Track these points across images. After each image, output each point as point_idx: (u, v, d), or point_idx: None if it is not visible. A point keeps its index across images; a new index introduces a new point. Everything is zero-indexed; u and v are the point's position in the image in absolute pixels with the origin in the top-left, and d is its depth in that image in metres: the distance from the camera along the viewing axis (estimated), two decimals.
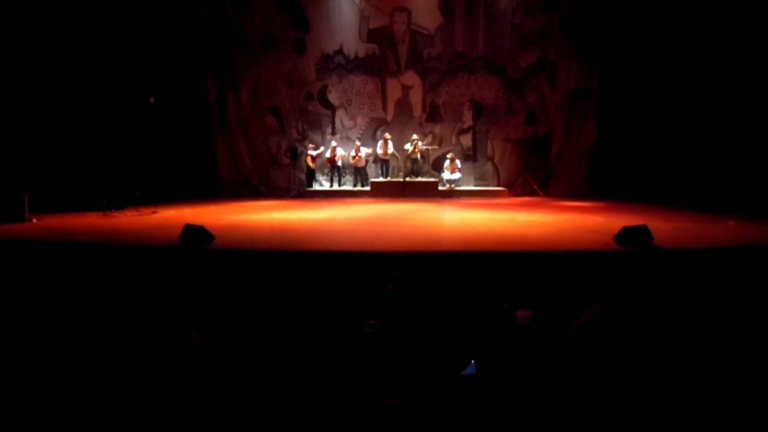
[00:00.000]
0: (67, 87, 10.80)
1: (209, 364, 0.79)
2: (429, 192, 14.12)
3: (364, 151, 14.88)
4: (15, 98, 10.07)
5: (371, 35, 15.43)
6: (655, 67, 12.27)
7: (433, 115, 15.60)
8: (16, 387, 0.72)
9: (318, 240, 7.25)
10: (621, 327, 0.81)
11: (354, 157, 14.89)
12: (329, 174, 15.35)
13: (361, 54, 15.49)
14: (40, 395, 0.71)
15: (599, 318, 0.84)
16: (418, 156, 14.78)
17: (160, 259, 6.05)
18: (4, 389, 0.72)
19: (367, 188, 14.71)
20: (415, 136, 14.69)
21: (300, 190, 15.09)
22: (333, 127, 15.75)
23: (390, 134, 15.01)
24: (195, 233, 6.46)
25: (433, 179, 14.86)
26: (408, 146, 14.61)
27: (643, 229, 6.18)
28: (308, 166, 15.00)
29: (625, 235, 6.22)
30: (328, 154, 14.91)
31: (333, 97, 15.68)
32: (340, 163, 15.05)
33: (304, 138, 15.60)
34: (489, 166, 15.62)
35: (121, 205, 10.48)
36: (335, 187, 15.16)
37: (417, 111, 15.64)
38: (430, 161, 15.45)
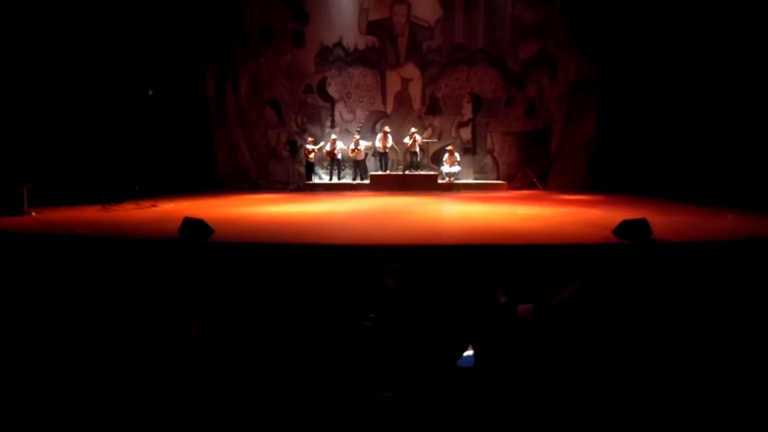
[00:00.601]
0: (66, 80, 10.77)
1: (208, 359, 0.78)
2: (428, 185, 14.11)
3: (363, 144, 14.85)
4: (14, 92, 10.04)
5: (371, 27, 15.37)
6: (656, 60, 12.24)
7: (432, 108, 15.57)
8: (11, 384, 0.72)
9: (317, 233, 7.24)
10: (599, 307, 0.79)
11: (353, 151, 14.87)
12: (329, 167, 15.33)
13: (361, 46, 15.44)
14: (36, 392, 0.70)
15: (577, 298, 0.83)
16: (417, 149, 14.76)
17: (160, 253, 6.05)
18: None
19: (367, 181, 14.70)
20: (413, 129, 14.67)
21: (299, 183, 15.07)
22: (332, 120, 15.72)
23: (389, 127, 14.98)
24: (194, 226, 6.46)
25: (432, 172, 14.85)
26: (407, 139, 14.58)
27: (642, 223, 6.18)
28: (307, 160, 14.98)
29: (625, 228, 6.23)
30: (328, 148, 14.88)
31: (332, 90, 15.64)
32: (339, 157, 15.03)
33: (303, 131, 15.58)
34: (488, 160, 15.61)
35: (120, 198, 10.48)
36: (334, 180, 15.15)
37: (416, 104, 15.61)
38: (430, 154, 15.43)
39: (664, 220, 7.39)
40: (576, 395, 0.77)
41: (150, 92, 11.63)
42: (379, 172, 14.92)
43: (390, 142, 14.76)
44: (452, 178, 14.39)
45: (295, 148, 15.04)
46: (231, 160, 15.81)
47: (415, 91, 15.58)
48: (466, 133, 15.58)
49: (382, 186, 14.16)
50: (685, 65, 11.28)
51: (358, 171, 15.10)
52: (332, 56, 15.48)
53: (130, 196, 10.71)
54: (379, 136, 14.85)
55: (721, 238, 6.41)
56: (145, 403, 0.70)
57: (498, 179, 15.16)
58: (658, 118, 12.16)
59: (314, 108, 15.72)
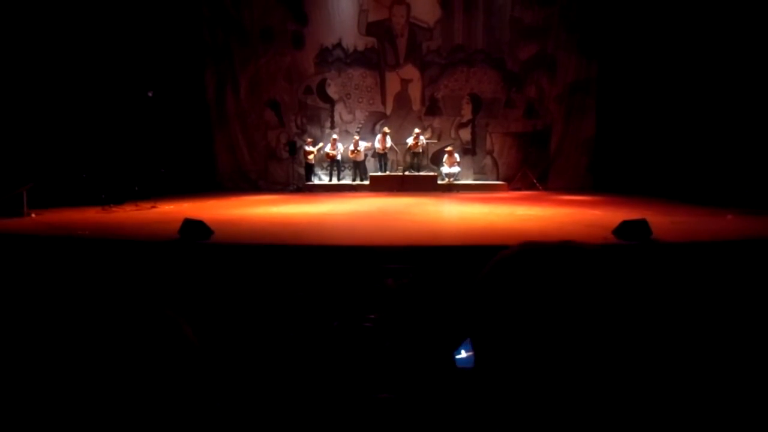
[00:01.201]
0: (66, 81, 10.78)
1: (203, 360, 0.79)
2: (428, 186, 14.12)
3: (363, 145, 14.86)
4: (14, 93, 10.05)
5: (370, 29, 15.38)
6: (655, 60, 12.25)
7: (432, 108, 15.57)
8: (9, 384, 0.72)
9: (317, 234, 7.25)
10: (516, 279, 0.76)
11: (353, 152, 14.88)
12: (328, 168, 15.34)
13: (360, 48, 15.45)
14: (33, 392, 0.71)
15: (494, 269, 0.80)
16: (419, 150, 14.77)
17: (159, 254, 6.05)
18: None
19: (366, 182, 14.70)
20: (417, 131, 14.68)
21: (299, 184, 15.07)
22: (332, 121, 15.72)
23: (389, 128, 14.99)
24: (194, 228, 6.46)
25: (432, 173, 14.85)
26: (410, 140, 14.60)
27: (642, 223, 6.19)
28: (306, 161, 14.99)
29: (624, 229, 6.24)
30: (328, 148, 14.89)
31: (332, 91, 15.64)
32: (339, 158, 15.04)
33: (303, 132, 15.59)
34: (488, 160, 15.61)
35: (119, 199, 10.49)
36: (334, 181, 15.15)
37: (416, 105, 15.61)
38: (429, 155, 15.43)
39: (663, 221, 7.39)
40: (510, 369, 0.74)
41: (150, 94, 11.63)
42: (379, 173, 14.93)
43: (389, 143, 14.76)
44: (452, 179, 14.39)
45: (294, 149, 15.04)
46: (231, 161, 15.82)
47: (415, 92, 15.58)
48: (465, 134, 15.59)
49: (381, 187, 14.16)
50: (685, 66, 11.29)
51: (357, 172, 15.10)
52: (332, 57, 15.49)
53: (130, 197, 10.71)
54: (379, 137, 14.85)
55: (720, 238, 6.42)
56: (140, 402, 0.71)
57: (498, 180, 15.16)
58: (657, 118, 12.17)
59: (314, 109, 15.73)
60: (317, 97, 15.67)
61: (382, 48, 15.43)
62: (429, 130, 15.42)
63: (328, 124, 15.73)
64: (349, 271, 5.13)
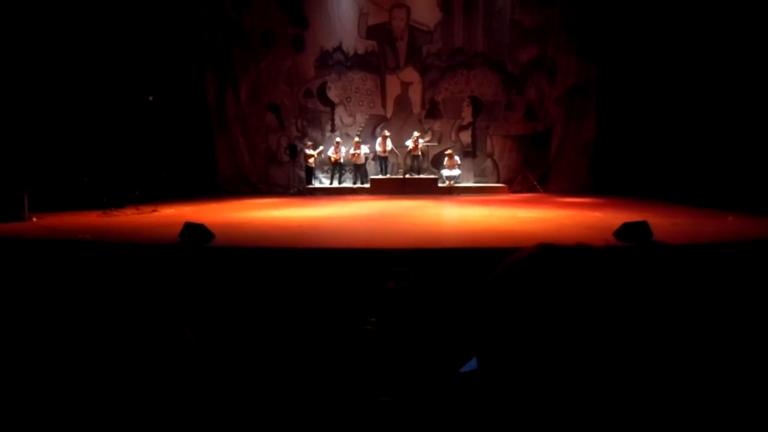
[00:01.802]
0: (67, 85, 10.79)
1: (206, 362, 0.79)
2: (428, 189, 14.12)
3: (363, 149, 14.88)
4: (15, 97, 10.06)
5: (370, 32, 15.40)
6: (655, 62, 12.26)
7: (432, 111, 15.59)
8: (12, 385, 0.73)
9: (318, 237, 7.25)
10: (532, 280, 0.76)
11: (353, 155, 14.90)
12: (329, 171, 15.35)
13: (361, 51, 15.47)
14: (36, 392, 0.72)
15: (508, 270, 0.80)
16: (419, 153, 14.78)
17: (161, 258, 6.05)
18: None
19: (367, 185, 14.71)
20: (416, 133, 14.70)
21: (300, 187, 15.09)
22: (332, 124, 15.74)
23: (389, 131, 15.01)
24: (195, 231, 6.46)
25: (432, 176, 14.86)
26: (409, 143, 14.62)
27: (642, 225, 6.18)
28: (307, 164, 15.01)
29: (625, 231, 6.23)
30: (331, 151, 14.91)
31: (332, 94, 15.67)
32: (342, 161, 15.06)
33: (303, 135, 15.60)
34: (489, 163, 15.62)
35: (121, 203, 10.50)
36: (335, 184, 15.17)
37: (416, 108, 15.64)
38: (430, 158, 15.45)
39: (664, 223, 7.39)
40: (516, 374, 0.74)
41: (150, 98, 11.65)
42: (380, 176, 14.94)
43: (390, 146, 14.78)
44: (452, 182, 14.40)
45: (295, 152, 15.07)
46: (231, 164, 15.83)
47: (415, 94, 15.60)
48: (466, 137, 15.60)
49: (382, 190, 14.17)
50: (684, 68, 11.30)
51: (358, 175, 15.12)
52: (332, 60, 15.51)
53: (131, 201, 10.73)
54: (379, 140, 14.87)
55: (721, 240, 6.41)
56: (139, 401, 0.71)
57: (498, 182, 15.17)
58: (657, 120, 12.17)
59: (314, 112, 15.75)
60: (318, 100, 15.70)
61: (383, 51, 15.46)
62: (429, 132, 15.43)
63: (329, 127, 15.75)
64: (350, 275, 5.13)
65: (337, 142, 14.95)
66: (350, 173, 15.37)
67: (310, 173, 15.14)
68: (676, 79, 11.55)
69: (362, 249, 6.13)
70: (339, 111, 15.73)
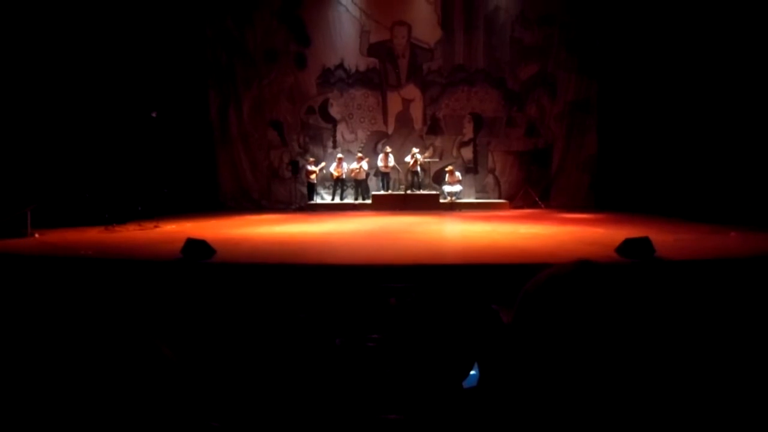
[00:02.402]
0: (70, 102, 10.87)
1: (182, 376, 0.83)
2: (430, 205, 14.14)
3: (363, 164, 14.92)
4: (17, 113, 10.13)
5: (372, 49, 15.54)
6: (655, 78, 12.33)
7: (433, 128, 15.67)
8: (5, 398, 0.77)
9: (320, 253, 7.24)
10: (572, 294, 0.77)
11: (353, 170, 14.95)
12: (331, 187, 15.39)
13: (362, 68, 15.60)
14: (29, 404, 0.75)
15: (549, 285, 0.81)
16: (418, 169, 14.82)
17: (162, 274, 6.05)
18: None
19: (369, 201, 14.73)
20: (415, 150, 14.76)
21: (301, 203, 15.11)
22: (334, 141, 15.81)
23: (391, 147, 15.08)
24: (197, 247, 6.46)
25: (434, 192, 14.89)
26: (408, 159, 14.67)
27: (645, 241, 6.17)
28: (308, 180, 15.04)
29: (627, 247, 6.22)
30: (333, 167, 14.96)
31: (334, 111, 15.76)
32: (344, 177, 15.11)
33: (305, 152, 15.67)
34: (490, 179, 15.65)
35: (123, 219, 10.51)
36: (336, 200, 15.19)
37: (418, 124, 15.71)
38: (431, 174, 15.49)
39: (666, 239, 7.38)
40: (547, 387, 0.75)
41: (154, 114, 11.73)
42: (381, 192, 14.97)
43: (392, 162, 14.83)
44: (454, 198, 14.42)
45: (297, 168, 15.12)
46: (233, 180, 15.87)
47: (416, 111, 15.70)
48: (467, 153, 15.66)
49: (383, 206, 14.19)
50: (685, 83, 11.36)
51: (359, 191, 15.15)
52: (334, 78, 15.63)
53: (133, 217, 10.74)
54: (381, 156, 14.93)
55: (724, 256, 6.40)
56: (121, 412, 0.76)
57: (500, 198, 15.19)
58: (658, 136, 12.21)
59: (316, 129, 15.83)
60: (319, 116, 15.79)
61: (384, 68, 15.58)
62: (431, 149, 15.49)
63: (331, 143, 15.82)
64: (351, 291, 5.12)
65: (340, 158, 15.01)
66: (352, 189, 15.41)
67: (311, 189, 15.17)
68: (677, 95, 11.61)
69: (364, 265, 6.13)
70: (341, 127, 15.81)
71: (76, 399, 0.75)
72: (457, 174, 14.67)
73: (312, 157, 15.33)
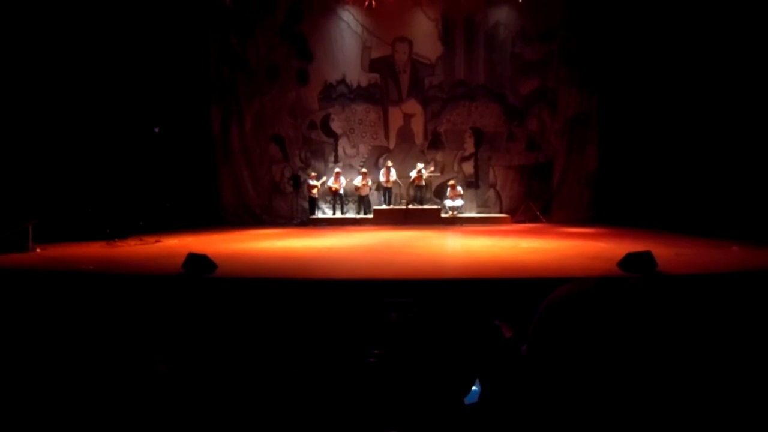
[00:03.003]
0: (72, 117, 10.93)
1: (176, 389, 0.85)
2: (432, 219, 14.15)
3: (360, 180, 14.95)
4: (20, 128, 10.18)
5: (373, 65, 15.66)
6: (655, 93, 12.38)
7: (434, 142, 15.73)
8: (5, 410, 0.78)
9: (321, 268, 7.23)
10: (593, 312, 0.77)
11: (357, 187, 14.97)
12: (332, 202, 15.41)
13: (364, 83, 15.70)
14: (28, 416, 0.77)
15: (569, 303, 0.81)
16: (423, 183, 14.86)
17: (164, 289, 6.04)
18: None
19: (370, 216, 14.75)
20: (420, 165, 14.81)
21: (303, 218, 15.13)
22: (336, 156, 15.87)
23: (392, 162, 15.12)
24: (198, 262, 6.46)
25: (435, 207, 14.90)
26: (413, 173, 14.73)
27: (646, 255, 6.16)
28: (310, 195, 15.07)
29: (629, 261, 6.20)
30: (331, 182, 14.98)
31: (336, 126, 15.83)
32: (342, 191, 15.13)
33: (307, 166, 15.71)
34: (491, 193, 15.68)
35: (124, 234, 10.52)
36: (338, 215, 15.20)
37: (419, 139, 15.78)
38: (433, 189, 15.51)
39: (668, 253, 7.36)
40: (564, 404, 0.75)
41: (156, 129, 11.79)
42: (383, 207, 14.99)
43: (393, 177, 14.87)
44: (455, 212, 14.43)
45: (298, 183, 15.15)
46: (235, 195, 15.91)
47: (418, 126, 15.77)
48: (468, 168, 15.69)
49: (385, 220, 14.20)
50: (685, 98, 11.40)
51: (361, 205, 15.17)
52: (335, 93, 15.73)
53: (135, 231, 10.75)
54: (382, 170, 14.98)
55: (726, 270, 6.38)
56: (113, 426, 0.78)
57: (501, 213, 15.20)
58: (659, 150, 12.23)
59: (318, 144, 15.90)
60: (321, 131, 15.86)
61: (385, 84, 15.69)
62: (432, 163, 15.53)
63: (332, 158, 15.87)
64: (352, 306, 5.11)
65: (337, 173, 15.04)
66: (353, 204, 15.43)
67: (313, 204, 15.20)
68: (678, 110, 11.65)
69: (365, 280, 6.12)
70: (342, 142, 15.87)
71: (69, 411, 0.77)
72: (459, 188, 14.70)
73: (313, 171, 15.37)
